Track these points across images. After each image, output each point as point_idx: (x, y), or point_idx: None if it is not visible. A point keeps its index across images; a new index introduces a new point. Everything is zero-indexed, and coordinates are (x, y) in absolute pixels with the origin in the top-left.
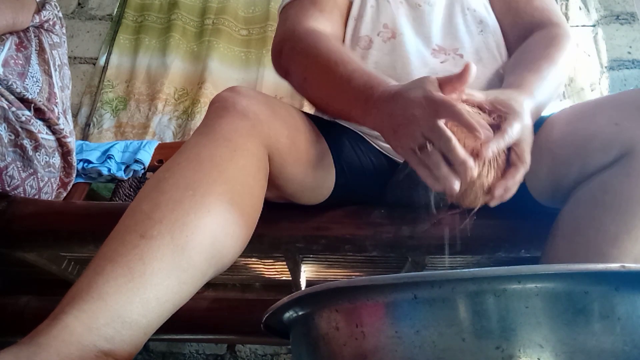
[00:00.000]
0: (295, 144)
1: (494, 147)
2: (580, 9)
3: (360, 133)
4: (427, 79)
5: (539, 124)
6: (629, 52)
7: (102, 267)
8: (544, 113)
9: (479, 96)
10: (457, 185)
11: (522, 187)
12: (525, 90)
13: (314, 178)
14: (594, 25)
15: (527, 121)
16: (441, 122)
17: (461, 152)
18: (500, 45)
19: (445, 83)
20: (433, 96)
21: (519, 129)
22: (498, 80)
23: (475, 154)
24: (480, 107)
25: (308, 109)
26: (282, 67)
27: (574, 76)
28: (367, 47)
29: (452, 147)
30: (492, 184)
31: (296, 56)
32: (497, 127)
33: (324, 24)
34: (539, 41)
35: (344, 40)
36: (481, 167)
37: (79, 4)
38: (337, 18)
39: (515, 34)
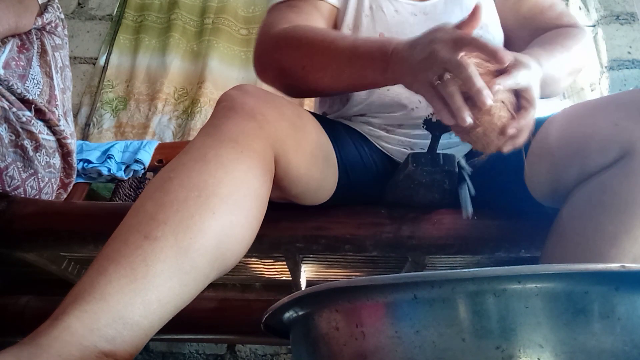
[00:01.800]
0: (301, 145)
1: (503, 83)
2: (580, 9)
3: (363, 133)
4: (446, 25)
5: (539, 124)
6: (629, 52)
7: (104, 268)
8: (544, 113)
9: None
10: (469, 118)
11: (522, 187)
12: (531, 56)
13: (319, 179)
14: (594, 25)
15: (535, 70)
16: (460, 54)
17: (479, 80)
18: None
19: (460, 25)
20: (453, 31)
21: (527, 74)
22: None
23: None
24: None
25: (309, 108)
26: (270, 71)
27: (582, 69)
28: None
29: (469, 75)
30: (504, 123)
31: (286, 50)
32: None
33: (300, 21)
34: (557, 32)
35: None
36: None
37: (79, 4)
38: (317, 19)
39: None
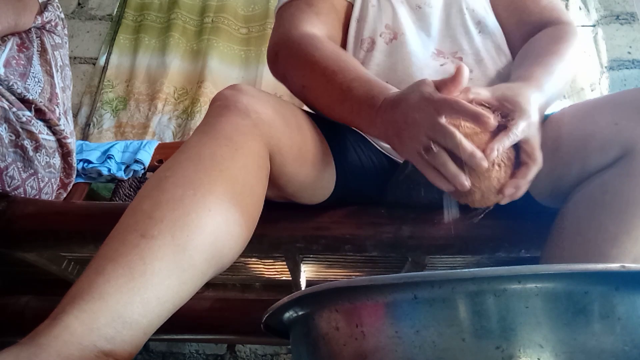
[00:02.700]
0: (296, 143)
1: (499, 146)
2: (580, 9)
3: (361, 133)
4: (423, 82)
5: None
6: (629, 52)
7: (102, 267)
8: (546, 112)
9: (485, 94)
10: (467, 182)
11: None
12: (533, 83)
13: (315, 178)
14: (594, 25)
15: (535, 118)
16: (443, 120)
17: (468, 144)
18: (500, 46)
19: (441, 85)
20: (431, 96)
21: (525, 127)
22: (499, 81)
23: (480, 149)
24: (487, 106)
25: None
26: (278, 73)
27: (576, 72)
28: (370, 49)
29: (457, 142)
30: (502, 184)
31: (293, 63)
32: (504, 126)
33: (319, 28)
34: (547, 37)
35: (346, 43)
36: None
37: (79, 4)
38: (334, 21)
39: (521, 33)
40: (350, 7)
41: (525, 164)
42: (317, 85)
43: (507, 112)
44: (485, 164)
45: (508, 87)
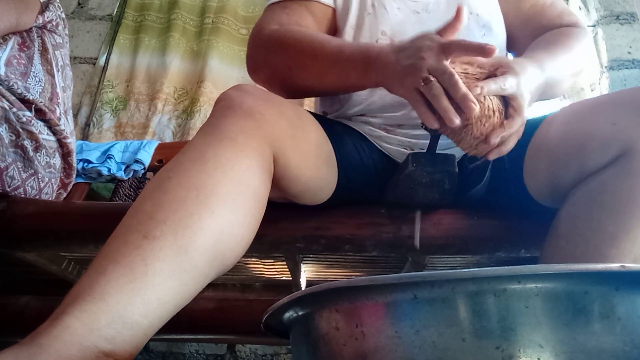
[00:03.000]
0: (300, 144)
1: (487, 87)
2: (580, 9)
3: (362, 133)
4: (430, 33)
5: (537, 123)
6: (629, 52)
7: (104, 267)
8: (543, 112)
9: (483, 59)
10: (456, 119)
11: (522, 187)
12: (533, 61)
13: (318, 179)
14: (594, 25)
15: (525, 80)
16: (445, 59)
17: (462, 86)
18: (503, 50)
19: (444, 30)
20: (440, 39)
21: (513, 82)
22: None
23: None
24: (483, 65)
25: (308, 107)
26: (260, 74)
27: (584, 70)
28: None
29: (454, 81)
30: (490, 129)
31: (272, 54)
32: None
33: (289, 24)
34: (559, 32)
35: None
36: (479, 110)
37: (79, 4)
38: (309, 22)
39: (537, 37)
40: (331, 12)
41: (511, 116)
42: (304, 59)
43: (501, 70)
44: (475, 107)
45: (505, 57)
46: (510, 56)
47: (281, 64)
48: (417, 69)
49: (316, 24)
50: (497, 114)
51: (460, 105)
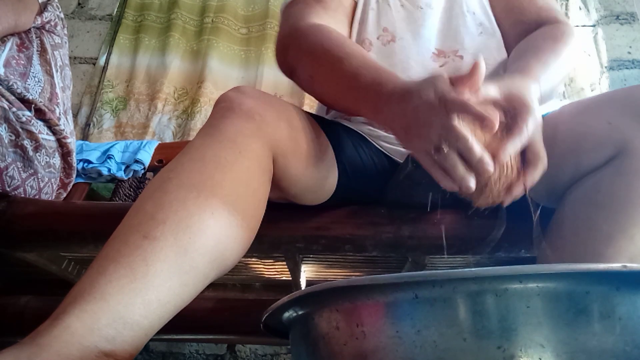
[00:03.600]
0: (299, 145)
1: (512, 150)
2: (580, 9)
3: (362, 133)
4: (438, 78)
5: None
6: (629, 52)
7: (104, 268)
8: (542, 110)
9: (494, 92)
10: (473, 184)
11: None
12: (530, 76)
13: (318, 179)
14: (594, 25)
15: (539, 115)
16: (456, 122)
17: (478, 150)
18: (499, 47)
19: (456, 81)
20: (446, 96)
21: (533, 127)
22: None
23: (492, 154)
24: (494, 104)
25: (308, 108)
26: (287, 67)
27: (574, 76)
28: (367, 50)
29: (469, 146)
30: (509, 184)
31: (301, 54)
32: (509, 121)
33: (327, 21)
34: (545, 35)
35: None
36: (498, 168)
37: (79, 4)
38: (342, 17)
39: (517, 32)
40: (355, 7)
41: (533, 165)
42: (324, 74)
43: (514, 111)
44: (491, 169)
45: (512, 82)
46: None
47: (304, 68)
48: (426, 131)
49: (345, 17)
50: (513, 164)
51: (476, 168)
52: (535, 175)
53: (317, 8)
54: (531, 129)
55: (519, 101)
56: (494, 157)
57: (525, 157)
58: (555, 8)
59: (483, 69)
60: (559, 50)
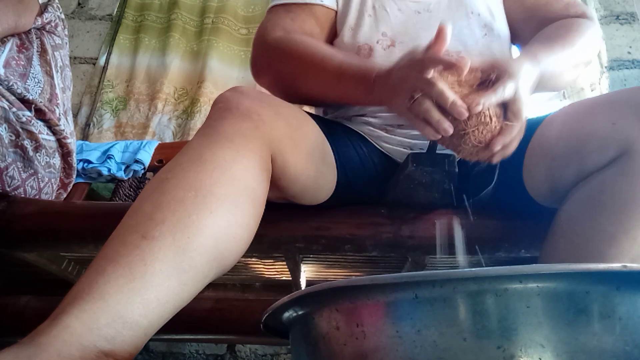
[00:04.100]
0: (298, 145)
1: (485, 100)
2: None
3: (361, 133)
4: (413, 50)
5: (537, 123)
6: (629, 52)
7: (103, 268)
8: (543, 112)
9: (477, 59)
10: (450, 128)
11: (521, 187)
12: (528, 56)
13: (317, 179)
14: None
15: (523, 81)
16: (428, 74)
17: (450, 94)
18: (504, 50)
19: (429, 47)
20: (418, 54)
21: (511, 88)
22: None
23: (468, 105)
24: (477, 70)
25: (308, 108)
26: (263, 79)
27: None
28: (367, 55)
29: (440, 91)
30: (489, 138)
31: (277, 64)
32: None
33: (294, 31)
34: (560, 25)
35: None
36: (475, 119)
37: (79, 4)
38: (312, 26)
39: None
40: (333, 15)
41: (510, 121)
42: (308, 75)
43: (497, 74)
44: (465, 112)
45: (502, 57)
46: (515, 49)
47: (286, 74)
48: (403, 87)
49: (319, 27)
50: (494, 119)
51: (451, 113)
52: (512, 133)
53: (284, 19)
54: (509, 88)
55: (501, 67)
56: (469, 107)
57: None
58: (581, 4)
59: (448, 30)
60: (570, 39)
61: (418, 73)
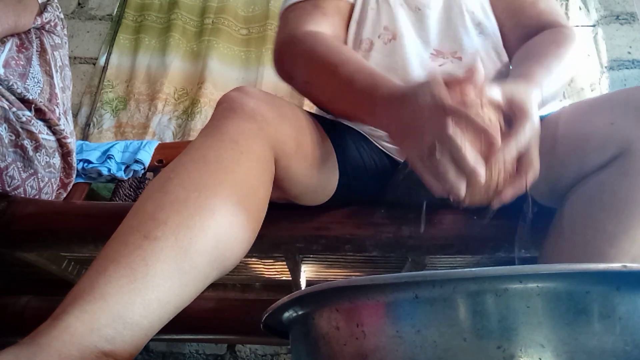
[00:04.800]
0: (301, 146)
1: (506, 156)
2: (580, 9)
3: (363, 133)
4: (434, 83)
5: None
6: (629, 52)
7: (104, 268)
8: (544, 113)
9: (497, 95)
10: (463, 192)
11: None
12: (533, 81)
13: (319, 180)
14: (594, 25)
15: (537, 122)
16: (451, 129)
17: (472, 159)
18: (498, 47)
19: (453, 84)
20: (443, 103)
21: (530, 134)
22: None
23: (485, 157)
24: (496, 108)
25: (308, 108)
26: (284, 72)
27: (574, 76)
28: (368, 49)
29: (462, 156)
30: (500, 189)
31: (297, 60)
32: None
33: (325, 27)
34: (547, 39)
35: (346, 44)
36: (490, 172)
37: (79, 4)
38: (339, 21)
39: (518, 35)
40: (351, 8)
41: (524, 171)
42: (320, 80)
43: (513, 117)
44: (483, 180)
45: (515, 87)
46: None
47: (301, 75)
48: (420, 134)
49: (342, 21)
50: (506, 171)
51: (468, 178)
52: (524, 182)
53: (315, 14)
54: (528, 136)
55: (519, 107)
56: (487, 160)
57: (518, 162)
58: (557, 11)
59: (481, 73)
60: (561, 55)
61: (440, 124)
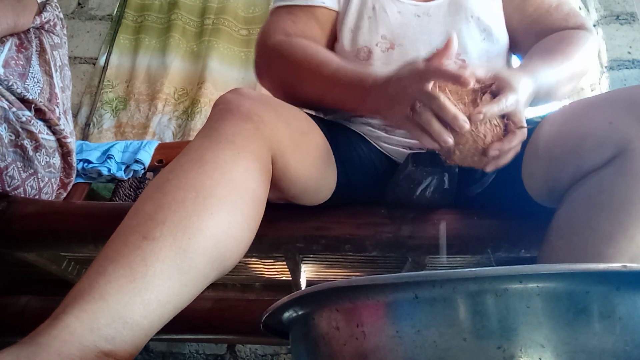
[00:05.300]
0: (298, 145)
1: (486, 111)
2: (580, 9)
3: (361, 134)
4: (414, 61)
5: (536, 123)
6: (629, 52)
7: (104, 268)
8: (543, 112)
9: (480, 71)
10: (450, 139)
11: (520, 187)
12: (526, 69)
13: (317, 180)
14: (594, 25)
15: (523, 96)
16: (429, 86)
17: (451, 107)
18: (503, 54)
19: (432, 58)
20: (418, 66)
21: (513, 100)
22: None
23: (468, 116)
24: (480, 81)
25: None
26: (264, 82)
27: (585, 74)
28: (366, 58)
29: (441, 105)
30: (486, 147)
31: (275, 68)
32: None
33: (295, 33)
34: (559, 37)
35: (334, 50)
36: (475, 127)
37: (79, 4)
38: (313, 28)
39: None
40: (334, 15)
41: (512, 132)
42: (303, 80)
43: (498, 85)
44: (466, 125)
45: (505, 70)
46: (516, 59)
47: (285, 79)
48: (403, 98)
49: (321, 29)
50: (496, 129)
51: (452, 125)
52: (512, 141)
53: (286, 21)
54: (510, 102)
55: (503, 79)
56: (470, 116)
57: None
58: (580, 15)
59: (455, 43)
60: (569, 53)
61: (419, 85)
